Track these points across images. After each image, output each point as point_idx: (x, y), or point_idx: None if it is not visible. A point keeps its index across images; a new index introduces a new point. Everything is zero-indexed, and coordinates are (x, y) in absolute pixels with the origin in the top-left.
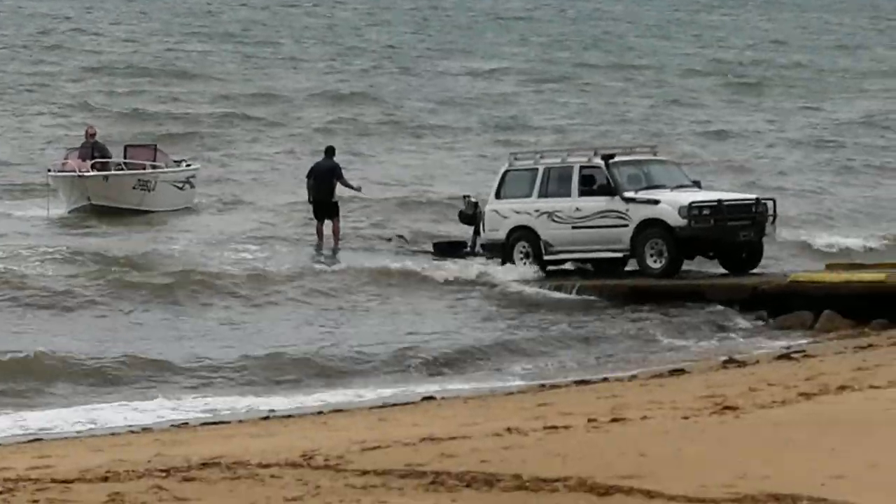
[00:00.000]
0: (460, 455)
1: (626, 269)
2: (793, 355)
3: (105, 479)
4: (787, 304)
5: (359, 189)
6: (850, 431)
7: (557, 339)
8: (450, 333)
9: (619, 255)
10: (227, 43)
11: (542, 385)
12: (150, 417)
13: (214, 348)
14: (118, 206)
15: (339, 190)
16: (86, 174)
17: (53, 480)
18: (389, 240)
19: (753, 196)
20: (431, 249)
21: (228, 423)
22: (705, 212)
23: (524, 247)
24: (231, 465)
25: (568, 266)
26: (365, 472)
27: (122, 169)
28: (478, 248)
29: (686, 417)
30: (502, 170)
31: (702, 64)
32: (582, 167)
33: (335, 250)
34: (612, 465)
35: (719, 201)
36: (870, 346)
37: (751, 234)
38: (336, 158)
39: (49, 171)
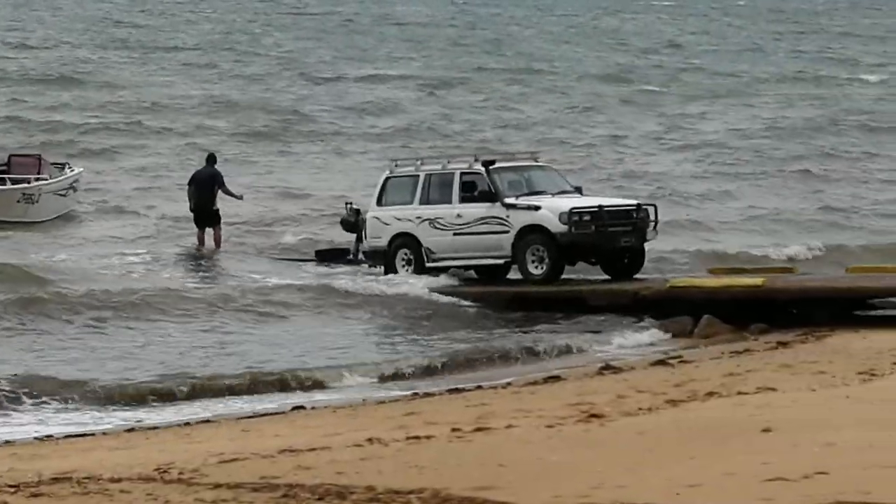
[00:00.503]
0: (317, 467)
1: (509, 275)
2: (669, 361)
3: None
4: (668, 310)
5: (240, 197)
6: (711, 439)
7: (435, 345)
8: (334, 344)
9: (501, 261)
10: (123, 49)
11: (416, 394)
12: (13, 431)
13: (93, 362)
14: (2, 219)
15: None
16: None
17: None
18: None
19: (634, 202)
20: (314, 257)
21: (92, 435)
22: (586, 217)
23: (406, 254)
24: (82, 479)
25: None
26: (217, 486)
27: (3, 183)
28: (360, 256)
29: (551, 426)
30: (383, 176)
31: (600, 68)
32: (463, 173)
33: (215, 259)
34: (469, 476)
35: (600, 207)
36: (746, 350)
37: (632, 240)
38: (220, 166)
39: None
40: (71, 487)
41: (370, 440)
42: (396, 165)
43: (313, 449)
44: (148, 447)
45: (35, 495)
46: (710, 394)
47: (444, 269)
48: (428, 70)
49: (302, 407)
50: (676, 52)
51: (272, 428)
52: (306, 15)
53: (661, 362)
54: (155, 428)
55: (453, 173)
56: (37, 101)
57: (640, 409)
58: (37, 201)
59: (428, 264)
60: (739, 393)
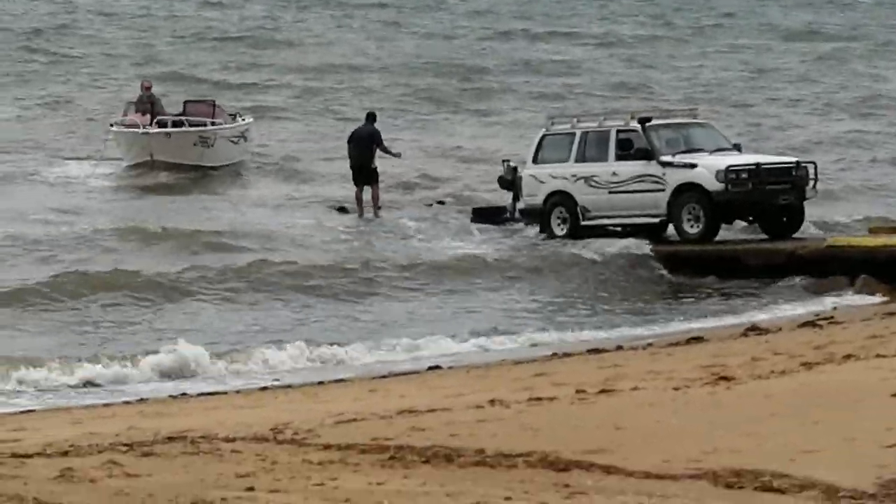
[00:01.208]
0: (432, 428)
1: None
2: (818, 322)
3: (65, 454)
4: (825, 269)
5: (398, 155)
6: (839, 403)
7: (584, 302)
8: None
9: (657, 220)
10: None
11: (554, 354)
12: (155, 388)
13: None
14: (179, 161)
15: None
16: (150, 131)
17: (14, 455)
18: (430, 205)
19: (793, 159)
20: (471, 215)
21: (224, 393)
22: (743, 175)
23: (561, 212)
24: (196, 439)
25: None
26: (327, 447)
27: (182, 125)
28: (516, 214)
29: (677, 388)
30: (539, 134)
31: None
32: (619, 131)
33: (374, 217)
34: (583, 439)
35: (757, 164)
36: None
37: (790, 198)
38: (380, 124)
39: (112, 125)
40: (183, 447)
41: (492, 402)
42: (553, 123)
43: (433, 410)
44: (275, 406)
45: (146, 454)
46: (848, 356)
47: (600, 228)
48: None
49: (438, 367)
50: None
51: (400, 388)
52: None
53: (810, 323)
54: (288, 387)
55: (609, 130)
56: (213, 58)
57: (772, 371)
58: (212, 145)
59: (583, 223)
60: (878, 356)
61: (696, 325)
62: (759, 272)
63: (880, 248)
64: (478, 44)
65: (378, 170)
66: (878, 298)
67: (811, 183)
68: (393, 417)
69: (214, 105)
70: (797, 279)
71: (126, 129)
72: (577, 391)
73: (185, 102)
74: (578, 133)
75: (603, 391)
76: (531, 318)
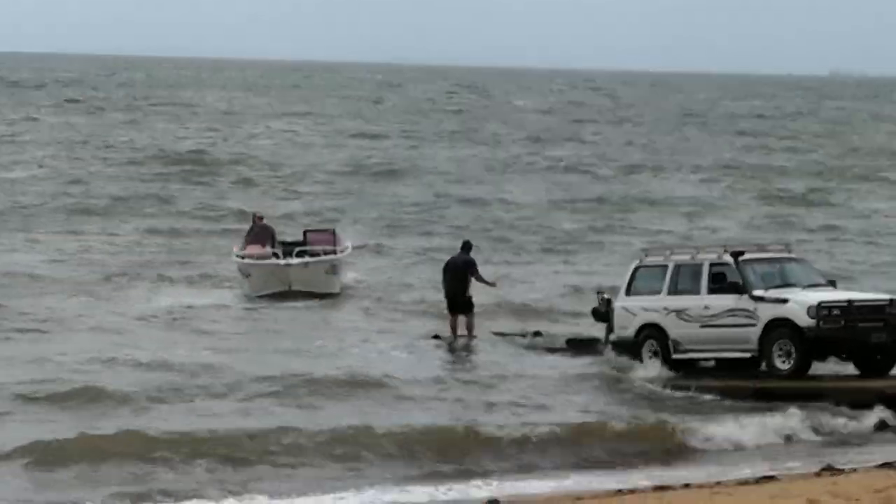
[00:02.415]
0: None
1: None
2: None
3: None
4: None
5: (494, 284)
6: None
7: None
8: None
9: (748, 355)
10: None
11: (619, 490)
12: None
13: None
14: (313, 291)
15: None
16: (291, 262)
17: None
18: (524, 336)
19: (888, 296)
20: (566, 346)
21: None
22: (835, 312)
23: (653, 345)
24: None
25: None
26: None
27: (306, 255)
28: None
29: None
30: (633, 265)
31: None
32: (712, 264)
33: (469, 346)
34: None
35: (850, 301)
36: None
37: (883, 336)
38: (475, 253)
39: (242, 258)
40: None
41: None
42: (647, 254)
43: None
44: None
45: None
46: None
47: (691, 361)
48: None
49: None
50: None
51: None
52: None
53: (888, 464)
54: None
55: (702, 263)
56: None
57: None
58: (336, 273)
59: (674, 356)
60: None
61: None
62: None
63: None
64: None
65: (473, 299)
66: None
67: None
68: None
69: (335, 233)
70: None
71: (261, 262)
72: None
73: (306, 231)
74: (671, 265)
75: None
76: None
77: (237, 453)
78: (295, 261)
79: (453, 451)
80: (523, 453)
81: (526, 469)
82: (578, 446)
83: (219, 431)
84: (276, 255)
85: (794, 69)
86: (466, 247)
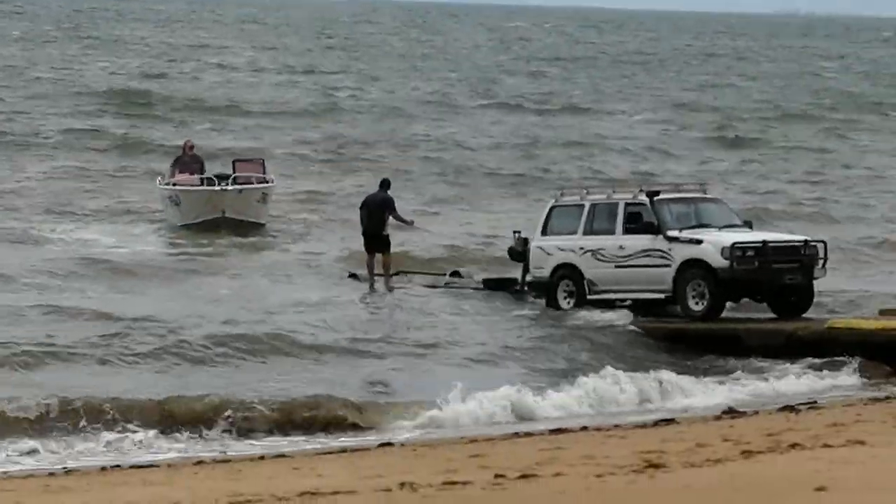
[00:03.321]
0: None
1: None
2: (797, 407)
3: None
4: (825, 351)
5: (411, 223)
6: (758, 497)
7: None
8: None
9: (662, 295)
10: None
11: (516, 433)
12: None
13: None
14: (245, 218)
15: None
16: (226, 188)
17: None
18: (443, 275)
19: (802, 237)
20: (481, 286)
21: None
22: (749, 253)
23: (568, 285)
24: None
25: None
26: None
27: (237, 182)
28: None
29: (600, 475)
30: (549, 205)
31: None
32: (627, 203)
33: (386, 285)
34: None
35: (764, 242)
36: (887, 398)
37: (797, 278)
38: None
39: (171, 184)
40: None
41: (402, 485)
42: (562, 194)
43: (337, 493)
44: (181, 483)
45: None
46: (794, 445)
47: (607, 302)
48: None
49: (390, 444)
50: None
51: (325, 466)
52: None
53: (789, 408)
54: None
55: (618, 203)
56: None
57: (707, 460)
58: (266, 203)
59: (589, 296)
60: (825, 445)
61: (675, 405)
62: (758, 352)
63: (880, 331)
64: None
65: (389, 237)
66: (872, 382)
67: (820, 262)
68: (290, 500)
69: (263, 162)
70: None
71: (193, 188)
72: (496, 476)
73: (235, 161)
74: (587, 205)
75: (523, 476)
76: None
77: None
78: (230, 187)
79: None
80: None
81: None
82: None
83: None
84: (205, 182)
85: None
86: (385, 184)
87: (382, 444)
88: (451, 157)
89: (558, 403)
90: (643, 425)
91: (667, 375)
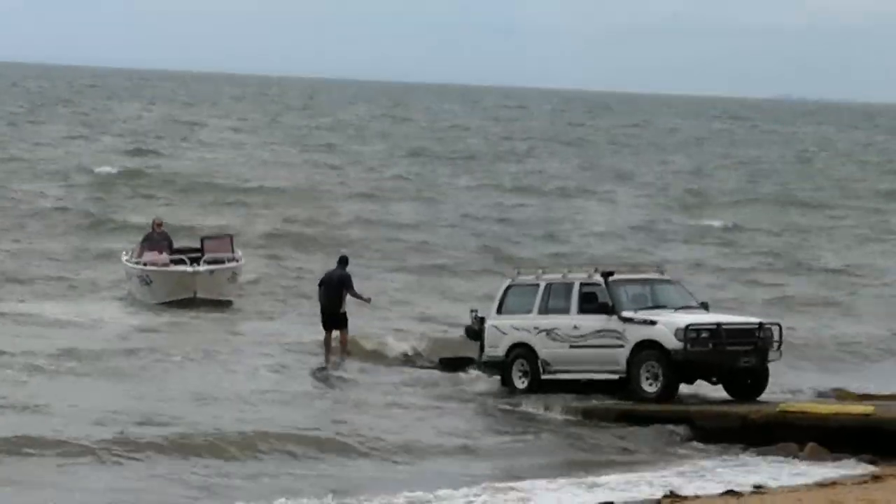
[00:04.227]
0: None
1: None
2: (740, 491)
3: None
4: (777, 435)
5: (369, 300)
6: None
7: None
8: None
9: (616, 376)
10: None
11: None
12: None
13: None
14: (215, 297)
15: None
16: (198, 269)
17: None
18: (404, 356)
19: (757, 320)
20: (439, 365)
21: None
22: (703, 335)
23: (522, 365)
24: None
25: None
26: None
27: (208, 262)
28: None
29: None
30: (505, 284)
31: None
32: (582, 284)
33: (341, 361)
34: None
35: (718, 324)
36: (833, 483)
37: (752, 360)
38: (351, 268)
39: (141, 263)
40: None
41: None
42: (518, 273)
43: None
44: None
45: None
46: None
47: (560, 382)
48: None
49: None
50: None
51: None
52: None
53: (731, 492)
54: None
55: (573, 283)
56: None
57: None
58: (235, 281)
59: (543, 376)
60: None
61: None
62: (711, 435)
63: (831, 416)
64: None
65: (347, 315)
66: (823, 468)
67: (776, 345)
68: None
69: (232, 239)
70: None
71: (165, 269)
72: None
73: (203, 238)
74: (542, 284)
75: None
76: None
77: None
78: (202, 268)
79: None
80: None
81: None
82: None
83: None
84: (176, 262)
85: (743, 92)
86: (343, 261)
87: None
88: (420, 237)
89: None
90: None
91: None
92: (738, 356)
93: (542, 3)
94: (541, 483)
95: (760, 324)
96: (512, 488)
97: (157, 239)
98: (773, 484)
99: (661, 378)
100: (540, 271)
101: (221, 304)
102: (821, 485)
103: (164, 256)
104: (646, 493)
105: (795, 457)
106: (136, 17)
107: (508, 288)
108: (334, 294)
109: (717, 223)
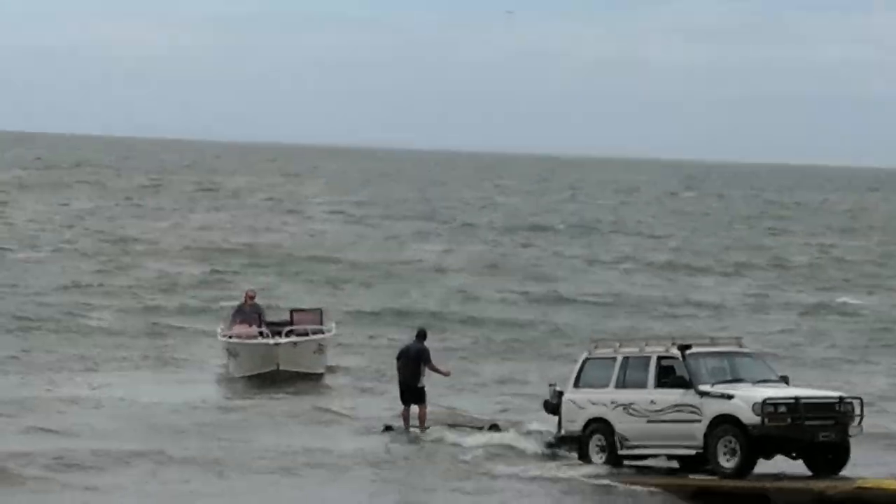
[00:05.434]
0: None
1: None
2: None
3: None
4: None
5: (448, 374)
6: None
7: None
8: None
9: (692, 451)
10: None
11: None
12: None
13: None
14: (301, 371)
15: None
16: (280, 341)
17: None
18: (480, 429)
19: (837, 394)
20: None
21: None
22: (781, 409)
23: (600, 440)
24: None
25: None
26: None
27: (293, 334)
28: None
29: None
30: (582, 357)
31: None
32: (659, 357)
33: (420, 436)
34: None
35: (797, 398)
36: None
37: (832, 435)
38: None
39: (230, 337)
40: None
41: None
42: (596, 346)
43: None
44: None
45: None
46: None
47: (638, 457)
48: None
49: None
50: None
51: None
52: None
53: None
54: None
55: (650, 357)
56: None
57: None
58: (323, 353)
59: (621, 452)
60: None
61: None
62: None
63: None
64: None
65: (426, 389)
66: None
67: (856, 420)
68: None
69: (321, 313)
70: None
71: (249, 341)
72: None
73: (293, 311)
74: (620, 358)
75: None
76: None
77: None
78: (283, 340)
79: None
80: None
81: None
82: None
83: None
84: (262, 335)
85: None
86: (421, 335)
87: None
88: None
89: None
90: None
91: None
92: (816, 431)
93: None
94: None
95: (841, 398)
96: None
97: (247, 312)
98: None
99: (738, 453)
100: (617, 344)
101: (309, 377)
102: None
103: (253, 329)
104: None
105: None
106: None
107: (586, 361)
108: (412, 367)
109: None
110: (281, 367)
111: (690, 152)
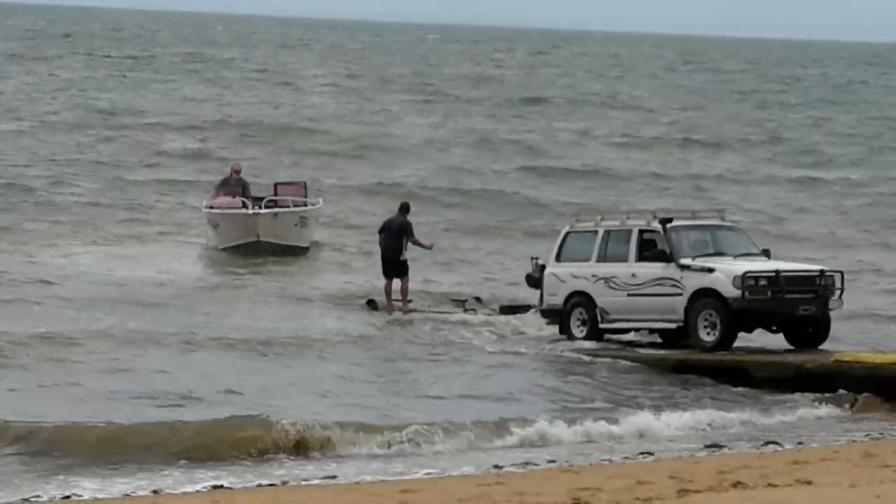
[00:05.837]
0: None
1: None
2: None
3: None
4: (832, 384)
5: (430, 247)
6: None
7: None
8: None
9: (673, 325)
10: None
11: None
12: None
13: None
14: (281, 242)
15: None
16: (259, 211)
17: None
18: (464, 301)
19: (818, 268)
20: (499, 312)
21: None
22: (761, 282)
23: (581, 314)
24: None
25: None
26: None
27: (278, 205)
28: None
29: None
30: (563, 231)
31: None
32: (641, 230)
33: (403, 310)
34: None
35: (777, 272)
36: (866, 436)
37: (812, 308)
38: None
39: (211, 208)
40: None
41: None
42: (577, 220)
43: None
44: None
45: None
46: (737, 484)
47: (620, 331)
48: None
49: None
50: None
51: (247, 498)
52: None
53: (775, 442)
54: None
55: (631, 230)
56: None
57: (637, 498)
58: (306, 226)
59: (602, 325)
60: (769, 485)
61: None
62: (766, 384)
63: (886, 366)
64: None
65: (408, 262)
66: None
67: (837, 293)
68: None
69: (305, 186)
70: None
71: (229, 211)
72: None
73: (276, 184)
74: (601, 231)
75: None
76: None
77: None
78: (263, 210)
79: None
80: None
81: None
82: None
83: None
84: (245, 206)
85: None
86: (404, 208)
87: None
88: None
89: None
90: (630, 457)
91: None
92: (797, 304)
93: None
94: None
95: (822, 271)
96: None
97: (232, 185)
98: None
99: (718, 327)
100: (599, 217)
101: (293, 250)
102: (869, 436)
103: (237, 200)
104: None
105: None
106: None
107: (567, 234)
108: (395, 241)
109: None
110: (261, 238)
111: (696, 27)
